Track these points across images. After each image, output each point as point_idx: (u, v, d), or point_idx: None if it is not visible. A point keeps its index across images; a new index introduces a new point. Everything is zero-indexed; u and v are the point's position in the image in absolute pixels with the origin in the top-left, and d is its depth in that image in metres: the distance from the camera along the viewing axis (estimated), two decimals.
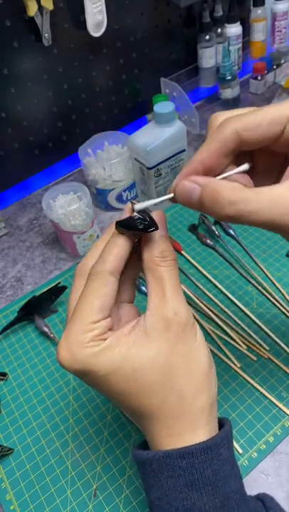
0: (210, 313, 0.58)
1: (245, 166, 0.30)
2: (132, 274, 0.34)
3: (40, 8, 0.69)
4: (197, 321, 0.58)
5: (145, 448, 0.33)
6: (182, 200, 0.29)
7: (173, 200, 0.31)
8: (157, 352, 0.29)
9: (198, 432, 0.30)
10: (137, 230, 0.30)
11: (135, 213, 0.30)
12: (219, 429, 0.32)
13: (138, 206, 0.30)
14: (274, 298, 0.59)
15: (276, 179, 0.32)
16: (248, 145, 0.29)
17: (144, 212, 0.30)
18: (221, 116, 0.31)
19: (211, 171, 0.29)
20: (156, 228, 0.30)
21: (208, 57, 0.96)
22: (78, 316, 0.29)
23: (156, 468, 0.30)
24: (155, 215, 0.31)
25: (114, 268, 0.30)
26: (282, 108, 0.28)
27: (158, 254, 0.31)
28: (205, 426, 0.31)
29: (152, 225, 0.30)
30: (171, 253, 0.31)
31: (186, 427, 0.30)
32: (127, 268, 0.32)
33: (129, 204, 0.31)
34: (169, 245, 0.31)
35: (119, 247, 0.30)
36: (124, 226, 0.30)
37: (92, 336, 0.29)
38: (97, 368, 0.29)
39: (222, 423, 0.33)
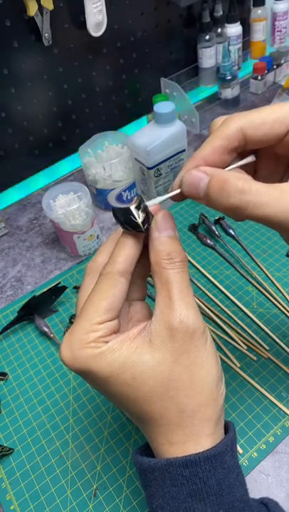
0: (210, 313, 0.58)
1: (250, 158, 0.29)
2: (144, 272, 0.33)
3: (40, 8, 0.69)
4: None
5: (147, 452, 0.32)
6: (189, 190, 0.28)
7: (177, 197, 0.30)
8: (160, 361, 0.28)
9: (201, 441, 0.29)
10: (125, 224, 0.29)
11: (132, 207, 0.28)
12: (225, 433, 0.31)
13: (149, 203, 0.29)
14: (274, 298, 0.59)
15: None
16: (251, 143, 0.28)
17: (144, 210, 0.29)
18: (223, 119, 0.30)
19: None
20: (142, 231, 0.28)
21: (208, 57, 0.96)
22: (84, 316, 0.29)
23: (159, 477, 0.29)
24: (161, 214, 0.30)
25: (125, 269, 0.29)
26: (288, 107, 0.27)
27: (164, 256, 0.29)
28: (209, 436, 0.29)
29: (138, 226, 0.28)
30: (179, 254, 0.30)
31: (186, 437, 0.29)
32: (138, 266, 0.31)
33: (138, 197, 0.30)
34: (177, 246, 0.30)
35: (129, 246, 0.29)
36: (117, 215, 0.29)
37: (95, 337, 0.28)
38: (96, 370, 0.28)
39: (226, 427, 0.32)
